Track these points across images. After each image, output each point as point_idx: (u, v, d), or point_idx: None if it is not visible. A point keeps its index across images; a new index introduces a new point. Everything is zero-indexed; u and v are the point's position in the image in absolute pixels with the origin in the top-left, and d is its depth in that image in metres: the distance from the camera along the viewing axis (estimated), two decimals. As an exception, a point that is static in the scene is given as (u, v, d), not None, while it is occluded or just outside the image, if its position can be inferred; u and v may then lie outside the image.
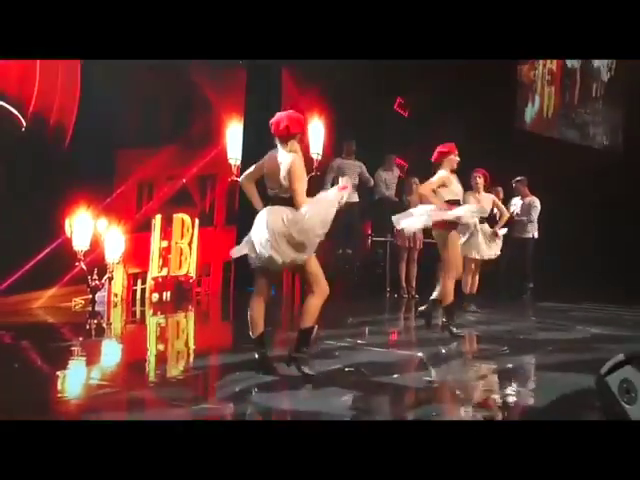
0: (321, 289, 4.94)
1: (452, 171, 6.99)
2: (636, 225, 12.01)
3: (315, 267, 4.95)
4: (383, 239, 11.07)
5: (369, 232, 11.81)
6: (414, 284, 10.37)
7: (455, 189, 6.99)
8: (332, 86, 10.70)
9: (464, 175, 7.78)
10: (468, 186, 8.88)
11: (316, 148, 10.39)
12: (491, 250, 8.81)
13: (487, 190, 9.00)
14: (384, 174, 11.23)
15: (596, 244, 12.05)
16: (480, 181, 8.87)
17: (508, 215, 9.17)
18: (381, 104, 11.86)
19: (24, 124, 7.75)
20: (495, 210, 9.01)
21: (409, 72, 11.20)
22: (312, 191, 10.18)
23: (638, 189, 12.14)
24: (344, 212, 10.18)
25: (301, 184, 4.85)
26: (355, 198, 10.50)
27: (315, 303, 4.94)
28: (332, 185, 10.41)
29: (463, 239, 8.50)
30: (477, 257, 8.80)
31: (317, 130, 10.45)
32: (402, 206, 10.50)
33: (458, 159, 7.01)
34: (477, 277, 9.05)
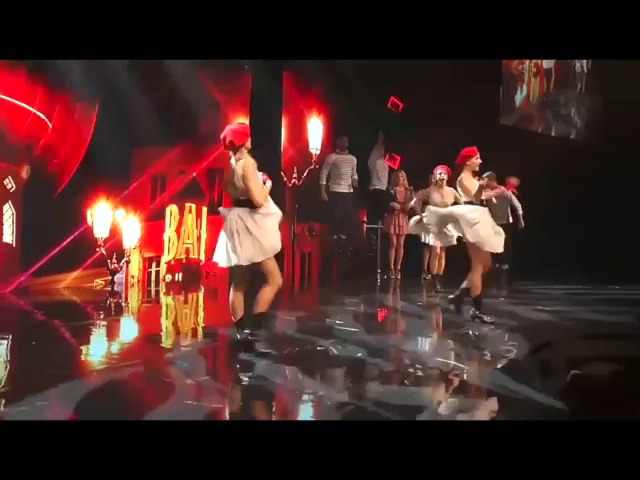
0: (275, 282, 5.15)
1: (474, 172, 6.79)
2: (610, 214, 12.13)
3: (271, 265, 5.14)
4: (375, 226, 11.41)
5: (365, 219, 12.13)
6: (399, 266, 10.70)
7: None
8: (329, 86, 10.90)
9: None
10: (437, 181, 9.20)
11: (315, 143, 10.74)
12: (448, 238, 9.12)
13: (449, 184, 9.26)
14: (377, 166, 11.58)
15: (567, 230, 12.08)
16: (445, 177, 9.06)
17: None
18: (375, 102, 12.05)
19: (50, 126, 8.11)
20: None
21: (402, 72, 11.38)
22: (310, 184, 10.63)
23: (612, 179, 12.21)
24: (339, 202, 10.71)
25: (254, 183, 5.00)
26: (350, 189, 10.89)
27: (268, 292, 5.16)
28: (327, 179, 10.86)
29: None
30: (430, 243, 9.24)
31: (315, 127, 10.79)
32: (390, 196, 10.88)
33: (479, 161, 6.78)
34: (443, 259, 9.40)
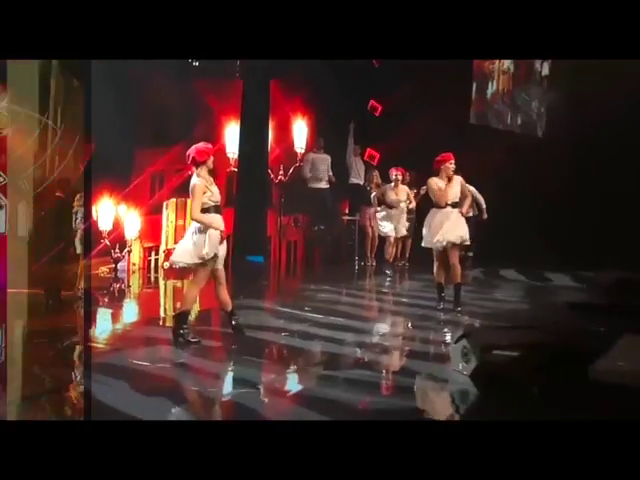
0: (197, 282, 5.40)
1: (448, 177, 6.83)
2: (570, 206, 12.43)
3: (200, 270, 5.36)
4: (354, 218, 11.89)
5: (346, 212, 12.57)
6: (374, 255, 11.14)
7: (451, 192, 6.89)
8: (310, 91, 11.31)
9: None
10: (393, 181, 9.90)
11: (299, 143, 11.23)
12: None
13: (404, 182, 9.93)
14: (354, 163, 12.07)
15: (528, 221, 12.34)
16: (399, 177, 9.78)
17: (414, 203, 9.81)
18: (356, 104, 12.41)
19: (59, 133, 8.45)
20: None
21: (381, 74, 11.76)
22: (295, 180, 11.03)
23: (577, 175, 12.45)
24: (318, 196, 11.20)
25: (194, 202, 5.19)
26: (327, 185, 11.40)
27: (191, 289, 5.48)
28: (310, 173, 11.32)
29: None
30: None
31: (300, 128, 11.26)
32: (366, 191, 11.30)
33: (453, 167, 6.82)
34: (396, 247, 10.24)
